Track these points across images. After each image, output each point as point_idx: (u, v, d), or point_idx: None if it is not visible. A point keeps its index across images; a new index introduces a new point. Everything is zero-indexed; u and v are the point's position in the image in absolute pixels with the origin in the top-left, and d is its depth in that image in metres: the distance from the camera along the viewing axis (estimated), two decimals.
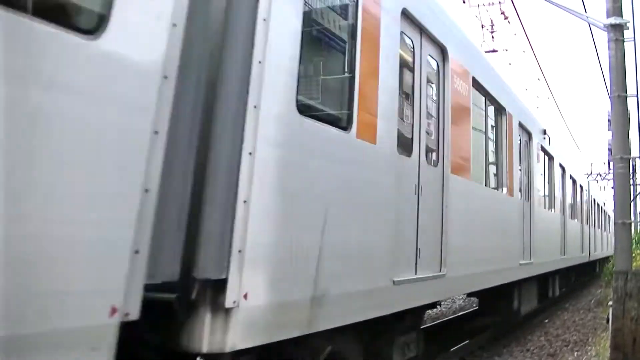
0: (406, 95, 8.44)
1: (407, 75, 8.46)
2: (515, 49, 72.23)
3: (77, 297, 3.62)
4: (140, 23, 4.08)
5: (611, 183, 30.60)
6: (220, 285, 4.77)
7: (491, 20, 29.38)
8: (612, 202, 14.75)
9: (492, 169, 13.35)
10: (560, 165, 21.49)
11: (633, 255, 15.96)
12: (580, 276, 30.83)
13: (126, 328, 3.90)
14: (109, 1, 3.84)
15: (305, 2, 6.03)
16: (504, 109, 13.29)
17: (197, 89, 4.80)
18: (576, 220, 25.62)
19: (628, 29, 13.55)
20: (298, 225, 5.70)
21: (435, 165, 9.15)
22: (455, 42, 9.93)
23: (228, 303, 4.75)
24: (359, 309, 6.78)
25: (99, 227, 3.73)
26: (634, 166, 40.06)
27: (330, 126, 6.35)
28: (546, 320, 18.60)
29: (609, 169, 51.98)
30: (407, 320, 8.42)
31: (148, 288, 4.15)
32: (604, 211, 40.29)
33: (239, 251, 4.86)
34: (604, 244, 37.70)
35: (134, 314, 3.97)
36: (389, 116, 7.48)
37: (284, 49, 5.55)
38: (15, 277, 3.29)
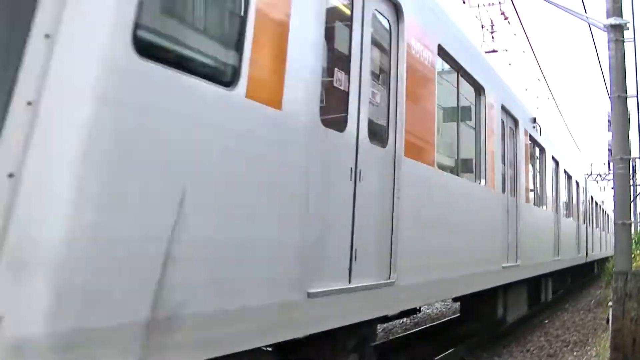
0: (341, 56, 5.85)
1: (342, 31, 5.87)
2: (515, 50, 68.96)
3: None
4: None
5: (611, 184, 27.84)
6: None
7: (491, 21, 26.71)
8: (612, 203, 13.34)
9: (468, 157, 10.51)
10: (554, 159, 17.85)
11: (633, 255, 14.24)
12: (577, 278, 26.76)
13: None
14: None
15: None
16: (482, 88, 10.16)
17: None
18: (572, 219, 21.51)
19: (628, 29, 12.02)
20: (127, 215, 3.30)
21: (383, 145, 6.44)
22: None
23: None
24: (239, 335, 4.18)
25: None
26: (634, 167, 37.10)
27: (197, 78, 3.82)
28: (546, 321, 16.72)
29: (609, 169, 48.68)
30: (347, 338, 5.93)
31: None
32: (603, 210, 35.64)
33: None
34: (602, 244, 33.26)
35: None
36: (305, 76, 4.91)
37: None
38: None
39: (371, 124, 6.17)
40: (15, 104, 2.92)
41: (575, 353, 11.76)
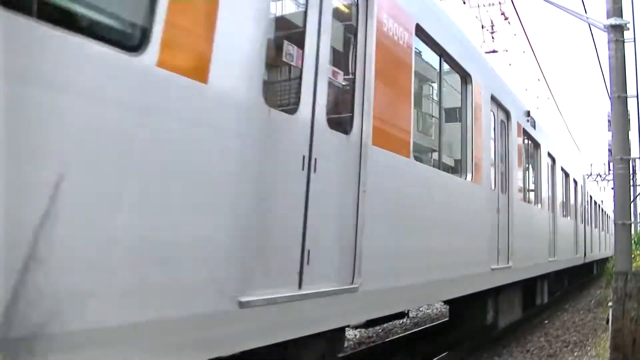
0: (293, 27, 4.86)
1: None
2: (515, 50, 67.73)
3: None
4: None
5: (611, 184, 26.83)
6: None
7: (491, 21, 25.73)
8: (612, 203, 12.65)
9: (453, 149, 9.44)
10: (550, 155, 16.12)
11: (633, 256, 13.58)
12: (576, 279, 24.75)
13: None
14: None
15: None
16: (469, 75, 8.74)
17: None
18: (569, 218, 19.53)
19: (628, 29, 11.39)
20: None
21: (347, 132, 5.34)
22: None
23: None
24: (145, 356, 3.14)
25: None
26: (634, 167, 36.10)
27: (86, 38, 2.80)
28: (546, 321, 15.92)
29: (609, 169, 47.55)
30: (303, 352, 4.85)
31: None
32: (602, 209, 33.42)
33: None
34: (601, 244, 31.16)
35: None
36: (243, 46, 3.86)
37: None
38: None
39: (332, 107, 5.13)
40: None
41: (575, 353, 11.14)
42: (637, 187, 38.63)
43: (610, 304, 9.28)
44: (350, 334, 12.57)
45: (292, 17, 4.90)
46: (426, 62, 8.17)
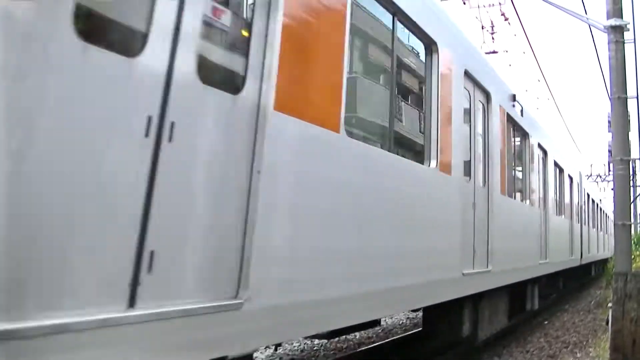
0: None
1: None
2: (515, 50, 67.66)
3: None
4: None
5: (611, 185, 26.81)
6: None
7: (491, 22, 25.51)
8: (612, 203, 12.45)
9: (409, 130, 7.79)
10: (540, 147, 14.35)
11: (633, 256, 13.45)
12: (572, 281, 22.85)
13: None
14: None
15: None
16: (434, 43, 7.11)
17: None
18: (563, 217, 17.72)
19: (628, 30, 11.41)
20: None
21: (234, 90, 3.94)
22: None
23: None
24: None
25: None
26: (634, 168, 35.26)
27: None
28: (546, 322, 15.75)
29: (609, 170, 46.84)
30: None
31: None
32: (600, 209, 31.42)
33: None
34: (600, 245, 29.29)
35: None
36: None
37: None
38: None
39: (213, 56, 3.86)
40: None
41: (575, 354, 11.15)
42: (637, 188, 38.67)
43: (610, 304, 9.22)
44: (316, 343, 11.27)
45: None
46: (376, 19, 6.51)
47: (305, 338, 9.29)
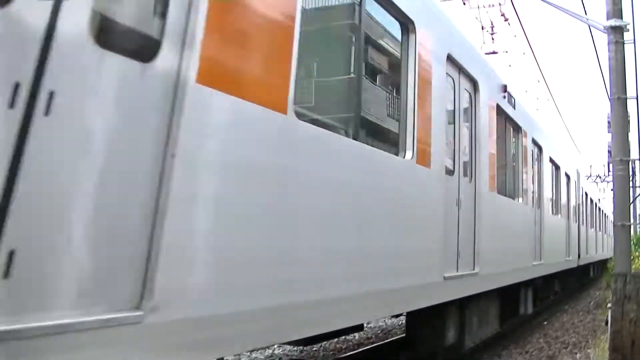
0: None
1: None
2: (515, 51, 67.61)
3: None
4: None
5: (611, 185, 26.77)
6: None
7: (491, 22, 25.17)
8: (612, 204, 12.62)
9: (384, 119, 7.19)
10: (534, 142, 13.43)
11: (632, 257, 13.80)
12: (571, 282, 21.80)
13: None
14: None
15: None
16: (411, 22, 6.27)
17: None
18: (560, 216, 16.87)
19: (628, 31, 11.50)
20: None
21: (143, 57, 3.18)
22: None
23: None
24: None
25: None
26: (633, 168, 35.02)
27: None
28: (545, 322, 15.71)
29: (609, 171, 46.55)
30: None
31: None
32: (599, 208, 30.50)
33: None
34: (598, 245, 28.32)
35: None
36: None
37: None
38: None
39: (111, 11, 3.15)
40: None
41: (574, 355, 11.15)
42: (637, 189, 38.79)
43: (609, 305, 9.11)
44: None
45: None
46: None
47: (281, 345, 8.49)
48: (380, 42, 6.84)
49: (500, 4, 23.04)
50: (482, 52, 9.97)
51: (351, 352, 10.24)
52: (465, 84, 8.37)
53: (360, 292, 5.20)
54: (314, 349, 10.82)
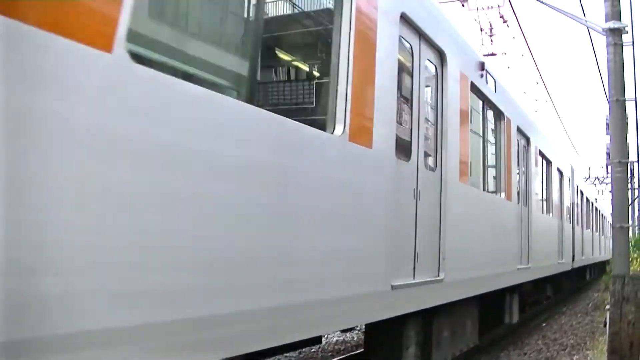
0: None
1: None
2: (514, 53, 67.75)
3: None
4: None
5: (609, 187, 26.81)
6: None
7: (490, 24, 24.84)
8: (610, 205, 12.54)
9: (305, 83, 5.99)
10: (520, 132, 11.99)
11: (630, 259, 13.71)
12: (565, 286, 20.71)
13: None
14: None
15: None
16: None
17: None
18: (551, 215, 15.54)
19: (627, 33, 11.43)
20: None
21: None
22: None
23: None
24: None
25: None
26: (632, 170, 35.03)
27: None
28: (543, 324, 15.90)
29: (607, 172, 46.45)
30: None
31: None
32: (596, 208, 28.44)
33: None
34: (595, 247, 26.56)
35: None
36: None
37: None
38: None
39: None
40: None
41: (572, 356, 11.27)
42: (636, 190, 39.07)
43: (607, 307, 9.34)
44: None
45: None
46: None
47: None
48: None
49: (499, 6, 22.98)
50: (455, 23, 8.43)
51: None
52: (428, 54, 6.99)
53: (250, 308, 3.88)
54: (312, 350, 10.48)
